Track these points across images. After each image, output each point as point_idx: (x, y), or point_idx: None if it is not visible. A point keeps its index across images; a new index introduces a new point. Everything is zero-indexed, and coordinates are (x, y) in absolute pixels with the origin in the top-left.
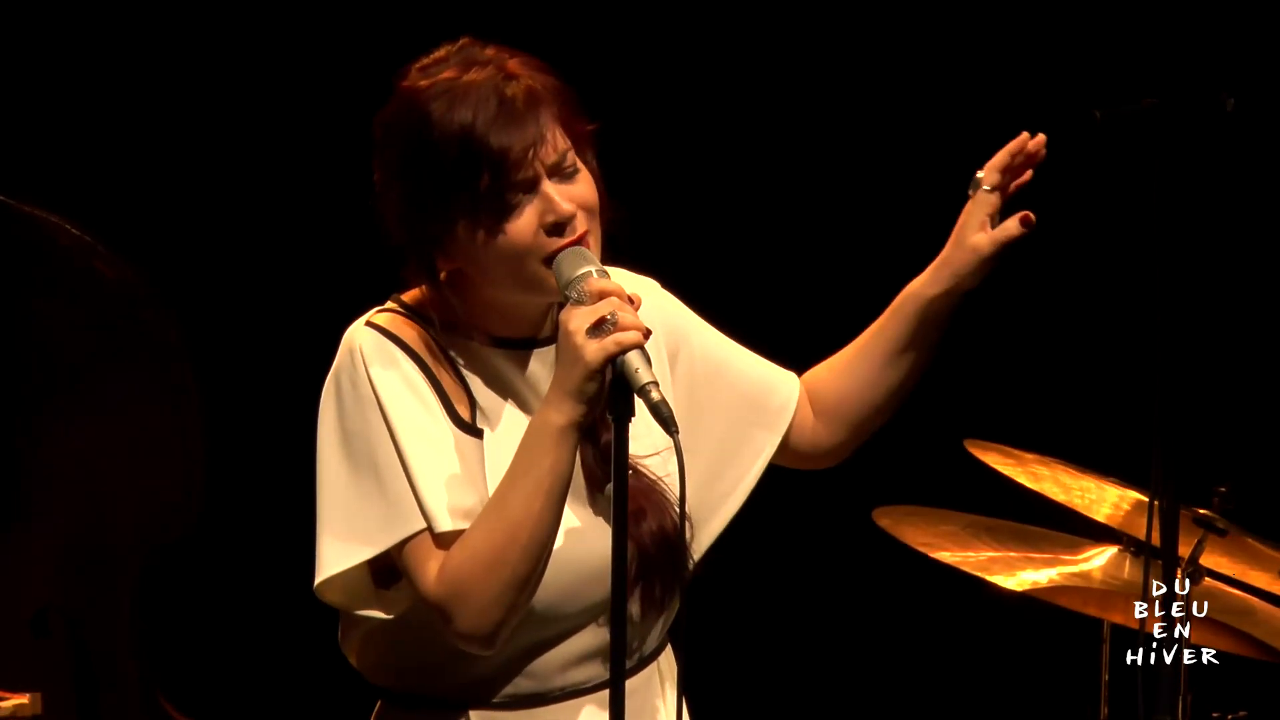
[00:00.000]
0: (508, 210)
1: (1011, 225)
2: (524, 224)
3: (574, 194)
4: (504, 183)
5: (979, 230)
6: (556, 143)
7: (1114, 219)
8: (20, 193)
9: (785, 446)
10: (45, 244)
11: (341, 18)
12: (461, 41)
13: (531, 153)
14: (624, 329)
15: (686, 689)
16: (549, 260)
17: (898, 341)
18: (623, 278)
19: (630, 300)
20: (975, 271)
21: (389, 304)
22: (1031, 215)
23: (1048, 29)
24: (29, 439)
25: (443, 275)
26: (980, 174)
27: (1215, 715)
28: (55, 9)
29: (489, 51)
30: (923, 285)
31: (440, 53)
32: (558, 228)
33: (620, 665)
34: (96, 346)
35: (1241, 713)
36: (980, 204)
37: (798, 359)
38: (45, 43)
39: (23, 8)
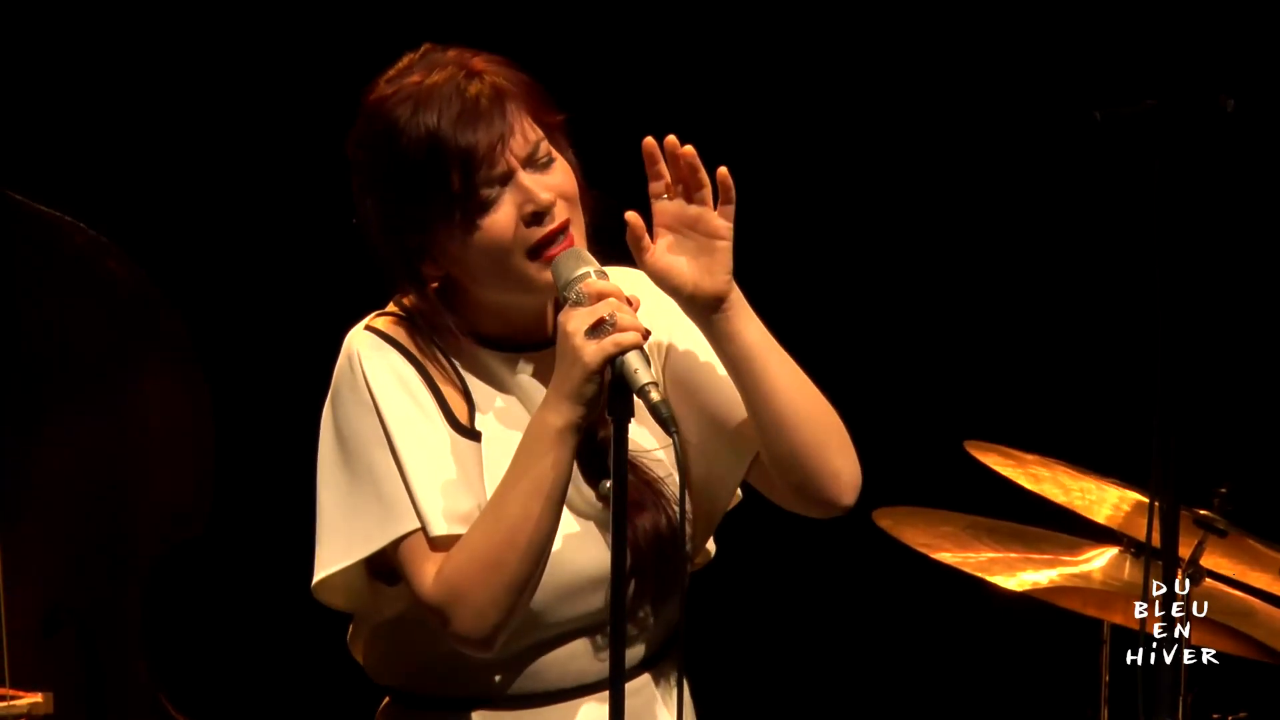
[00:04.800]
0: (484, 206)
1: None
2: (502, 217)
3: (551, 183)
4: (475, 179)
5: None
6: (527, 134)
7: (1114, 219)
8: (33, 193)
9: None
10: (59, 244)
11: (349, 21)
12: (424, 48)
13: (500, 146)
14: (623, 330)
15: (688, 689)
16: (533, 253)
17: (734, 378)
18: (623, 275)
19: (629, 301)
20: (665, 289)
21: (390, 307)
22: (631, 216)
23: (1048, 29)
24: (41, 438)
25: (434, 284)
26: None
27: (1215, 716)
28: (66, 12)
29: (450, 53)
30: None
31: (403, 62)
32: (537, 217)
33: (620, 665)
34: (110, 346)
35: (1242, 714)
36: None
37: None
38: (56, 46)
39: (34, 10)
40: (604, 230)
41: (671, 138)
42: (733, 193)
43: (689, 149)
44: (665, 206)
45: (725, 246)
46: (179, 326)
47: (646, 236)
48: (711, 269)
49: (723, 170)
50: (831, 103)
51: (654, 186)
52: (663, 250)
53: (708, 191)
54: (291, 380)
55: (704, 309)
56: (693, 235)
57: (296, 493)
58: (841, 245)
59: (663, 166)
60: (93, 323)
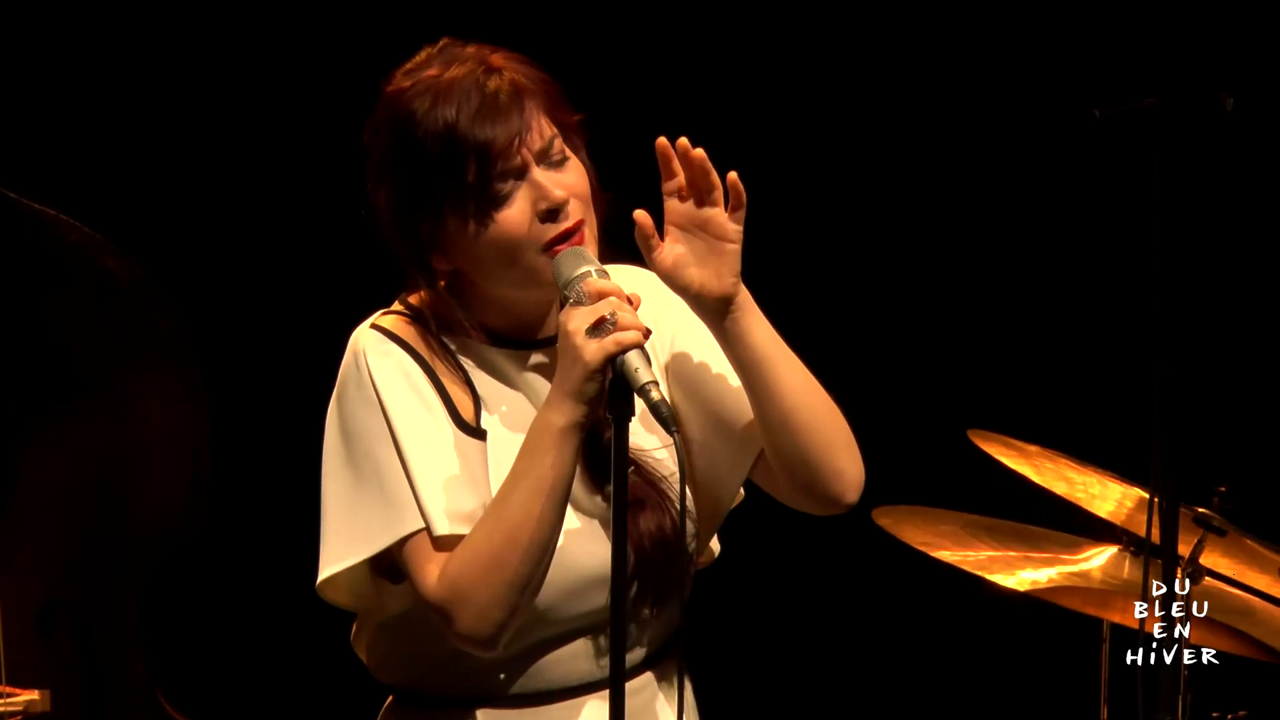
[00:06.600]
0: (498, 200)
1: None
2: (516, 212)
3: (564, 181)
4: (491, 173)
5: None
6: (543, 131)
7: (1114, 218)
8: (29, 190)
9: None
10: (56, 242)
11: (351, 17)
12: (442, 42)
13: (517, 142)
14: (624, 329)
15: (690, 688)
16: (546, 249)
17: (742, 379)
18: (626, 273)
19: (629, 300)
20: (673, 287)
21: (395, 306)
22: (640, 215)
23: (1048, 29)
24: (38, 436)
25: (442, 279)
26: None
27: (1215, 715)
28: (66, 11)
29: (470, 49)
30: None
31: (422, 55)
32: (551, 214)
33: (620, 665)
34: (108, 345)
35: (1241, 712)
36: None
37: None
38: (52, 44)
39: (33, 10)
40: (613, 232)
41: (683, 140)
42: (744, 198)
43: (699, 152)
44: (676, 206)
45: (734, 249)
46: (176, 324)
47: (655, 235)
48: (719, 271)
49: (733, 175)
50: (836, 101)
51: (667, 185)
52: (671, 249)
53: (719, 194)
54: (289, 379)
55: (711, 310)
56: (702, 236)
57: (294, 491)
58: (845, 241)
59: (676, 166)
60: (89, 321)
